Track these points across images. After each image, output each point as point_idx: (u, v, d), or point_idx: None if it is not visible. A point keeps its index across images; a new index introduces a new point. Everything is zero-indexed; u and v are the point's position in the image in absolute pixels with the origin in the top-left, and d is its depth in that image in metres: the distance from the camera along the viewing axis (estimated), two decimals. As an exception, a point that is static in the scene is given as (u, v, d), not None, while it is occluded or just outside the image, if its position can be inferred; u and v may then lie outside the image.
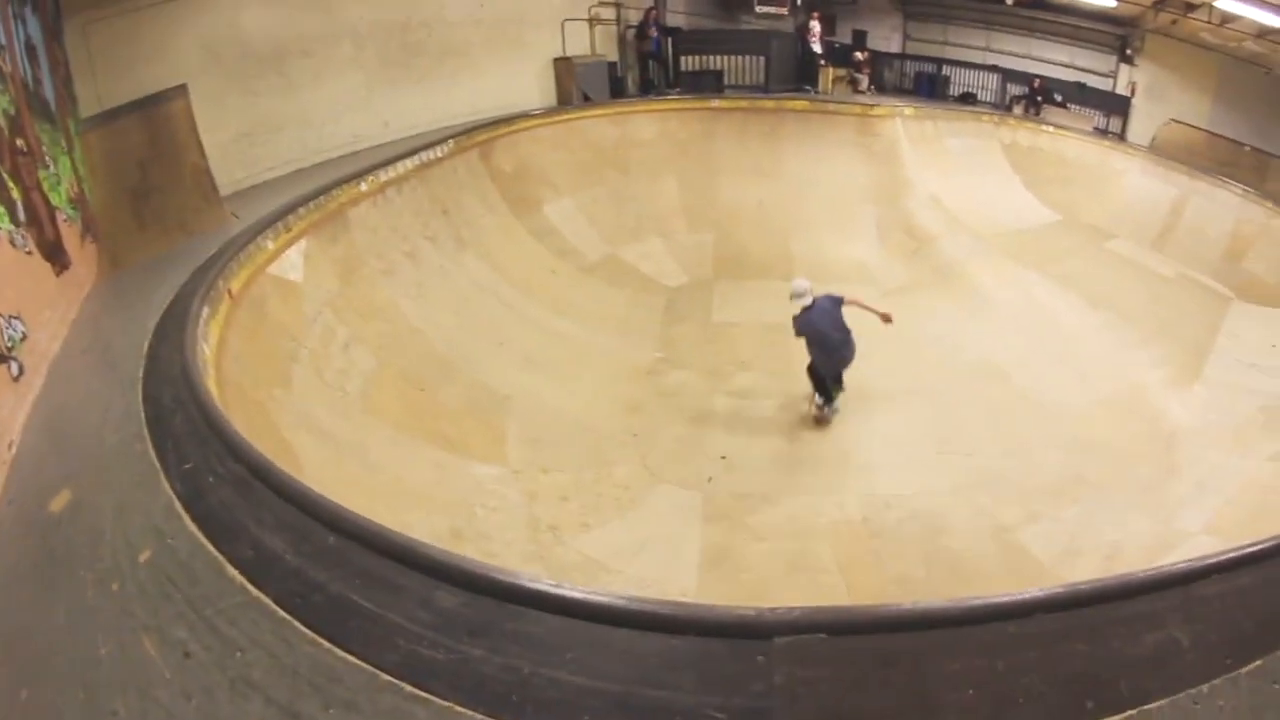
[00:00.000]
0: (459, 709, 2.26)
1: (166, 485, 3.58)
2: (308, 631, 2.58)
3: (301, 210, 7.71)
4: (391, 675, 2.38)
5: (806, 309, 9.09)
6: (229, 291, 5.99)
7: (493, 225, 11.44)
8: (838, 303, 9.13)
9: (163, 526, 3.30)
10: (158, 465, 3.76)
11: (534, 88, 14.61)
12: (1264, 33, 14.98)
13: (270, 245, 6.99)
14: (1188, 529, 7.84)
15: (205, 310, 5.45)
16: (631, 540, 7.19)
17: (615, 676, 2.35)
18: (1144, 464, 9.04)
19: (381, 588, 2.75)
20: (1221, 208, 16.17)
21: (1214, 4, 14.54)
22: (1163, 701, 2.46)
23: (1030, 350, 11.41)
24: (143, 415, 4.27)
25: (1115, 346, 11.59)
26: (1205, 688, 2.50)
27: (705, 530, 7.49)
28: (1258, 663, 2.59)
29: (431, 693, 2.31)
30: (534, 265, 11.60)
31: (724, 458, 8.55)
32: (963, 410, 9.90)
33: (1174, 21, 17.64)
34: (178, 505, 3.41)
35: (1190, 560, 3.06)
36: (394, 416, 7.21)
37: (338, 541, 3.03)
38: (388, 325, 8.16)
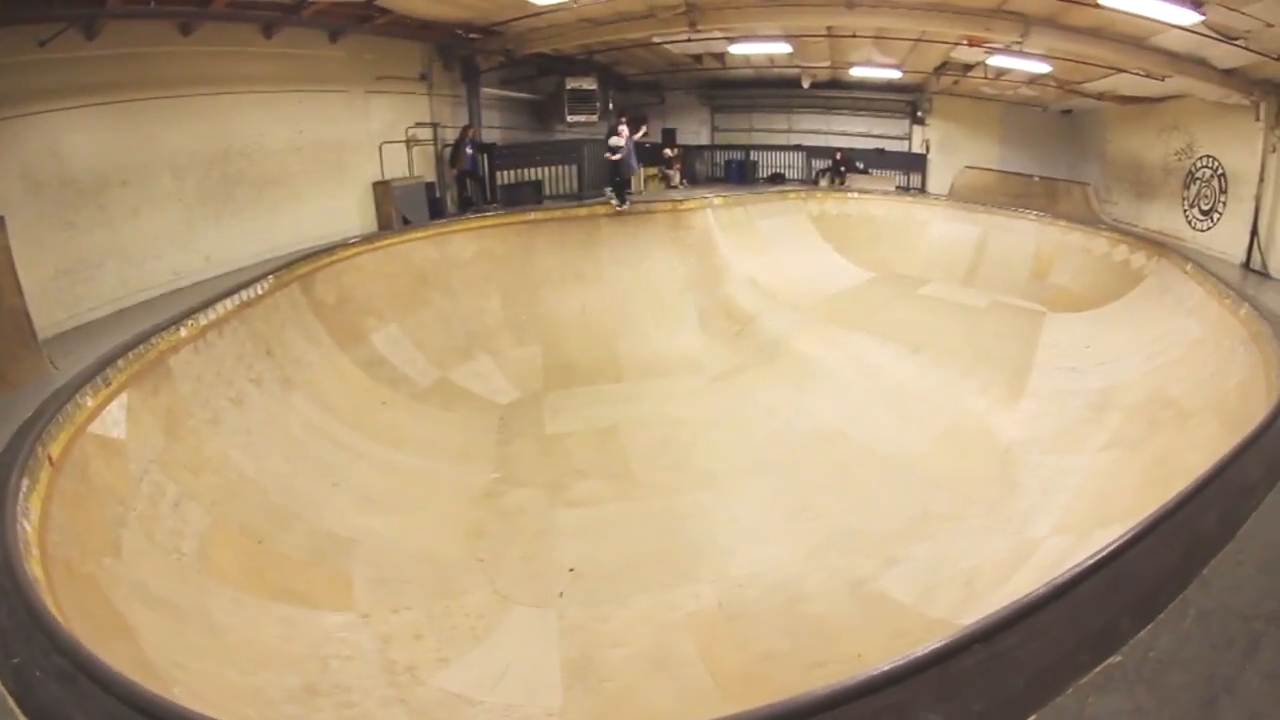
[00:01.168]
0: None
1: (-1, 682, 3.48)
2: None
3: (120, 362, 7.35)
4: None
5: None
6: (49, 458, 5.66)
7: (319, 361, 11.19)
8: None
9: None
10: (-12, 661, 3.62)
11: (355, 213, 14.57)
12: (1034, 79, 16.82)
13: (90, 402, 6.63)
14: (1037, 535, 8.41)
15: (25, 483, 5.16)
16: (491, 668, 7.04)
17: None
18: (987, 485, 9.71)
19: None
20: (1021, 235, 18.04)
21: (987, 62, 16.10)
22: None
23: (862, 406, 12.09)
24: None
25: (942, 383, 12.41)
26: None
27: (563, 646, 7.42)
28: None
29: None
30: (365, 398, 11.39)
31: (572, 570, 8.56)
32: (806, 477, 10.31)
33: (955, 82, 19.56)
34: (10, 701, 3.40)
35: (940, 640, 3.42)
36: (235, 574, 6.86)
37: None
38: (219, 478, 7.79)
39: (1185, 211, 15.32)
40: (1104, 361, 11.81)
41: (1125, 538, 4.16)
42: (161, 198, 10.37)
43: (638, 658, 7.27)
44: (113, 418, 6.92)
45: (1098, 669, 3.28)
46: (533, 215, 16.58)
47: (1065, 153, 19.95)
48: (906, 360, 13.33)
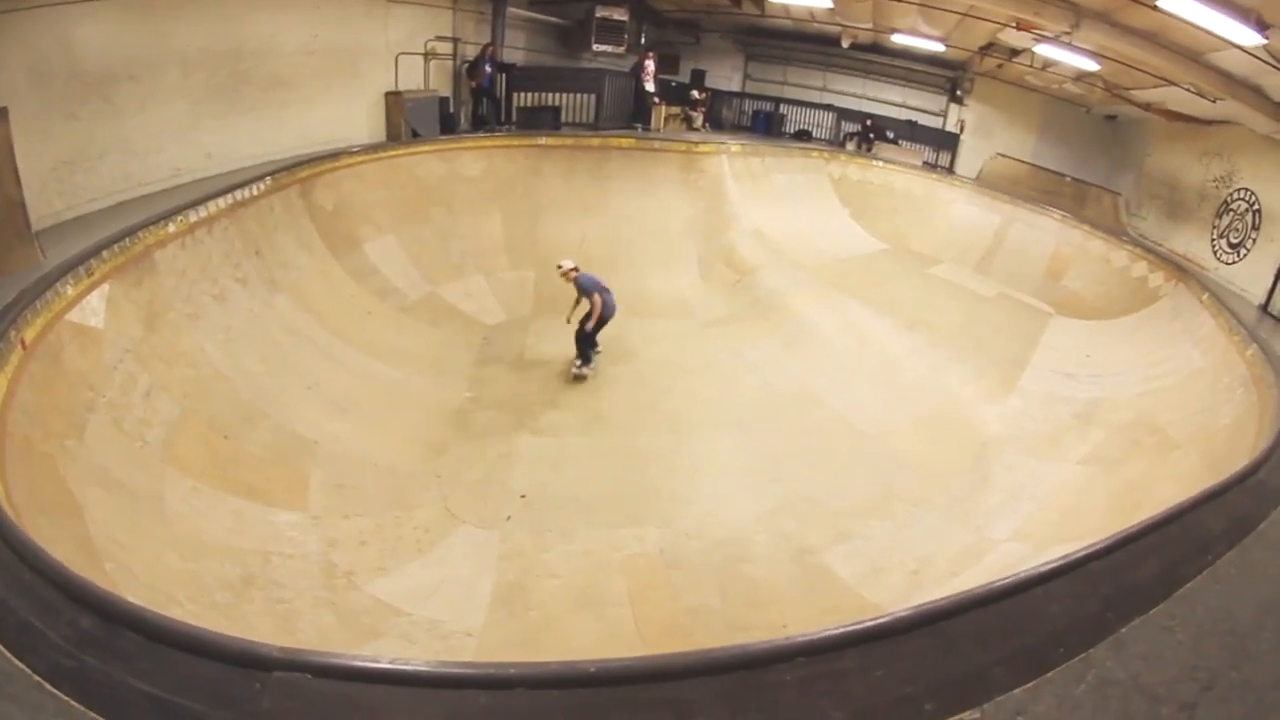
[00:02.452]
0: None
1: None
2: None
3: (105, 253, 7.58)
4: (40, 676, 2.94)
5: (582, 276, 11.67)
6: (22, 341, 5.96)
7: (309, 265, 11.36)
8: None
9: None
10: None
11: (364, 122, 14.52)
12: (1082, 76, 16.37)
13: (70, 290, 6.90)
14: (996, 537, 8.47)
15: (-8, 364, 5.46)
16: (426, 582, 7.38)
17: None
18: (956, 476, 9.77)
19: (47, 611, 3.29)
20: (1042, 232, 17.78)
21: (1035, 50, 15.72)
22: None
23: (846, 375, 12.13)
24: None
25: (931, 365, 12.40)
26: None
27: (500, 569, 7.73)
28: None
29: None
30: (350, 306, 11.60)
31: (524, 496, 8.85)
32: (776, 438, 10.44)
33: (1000, 65, 19.10)
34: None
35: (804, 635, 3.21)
36: (195, 466, 7.20)
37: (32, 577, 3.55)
38: (193, 371, 8.07)
39: (1213, 241, 14.97)
40: (1100, 374, 11.75)
41: (1041, 569, 3.69)
42: (167, 92, 10.35)
43: (568, 591, 7.57)
44: (92, 307, 7.18)
45: None
46: (544, 140, 16.54)
47: (1101, 158, 19.45)
48: (901, 336, 13.33)
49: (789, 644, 3.08)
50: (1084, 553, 3.87)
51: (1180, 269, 14.55)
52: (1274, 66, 10.55)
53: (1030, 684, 3.01)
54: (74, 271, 7.10)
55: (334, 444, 8.77)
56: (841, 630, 3.19)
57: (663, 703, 2.82)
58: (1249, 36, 9.77)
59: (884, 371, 12.30)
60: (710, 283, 15.58)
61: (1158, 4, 10.06)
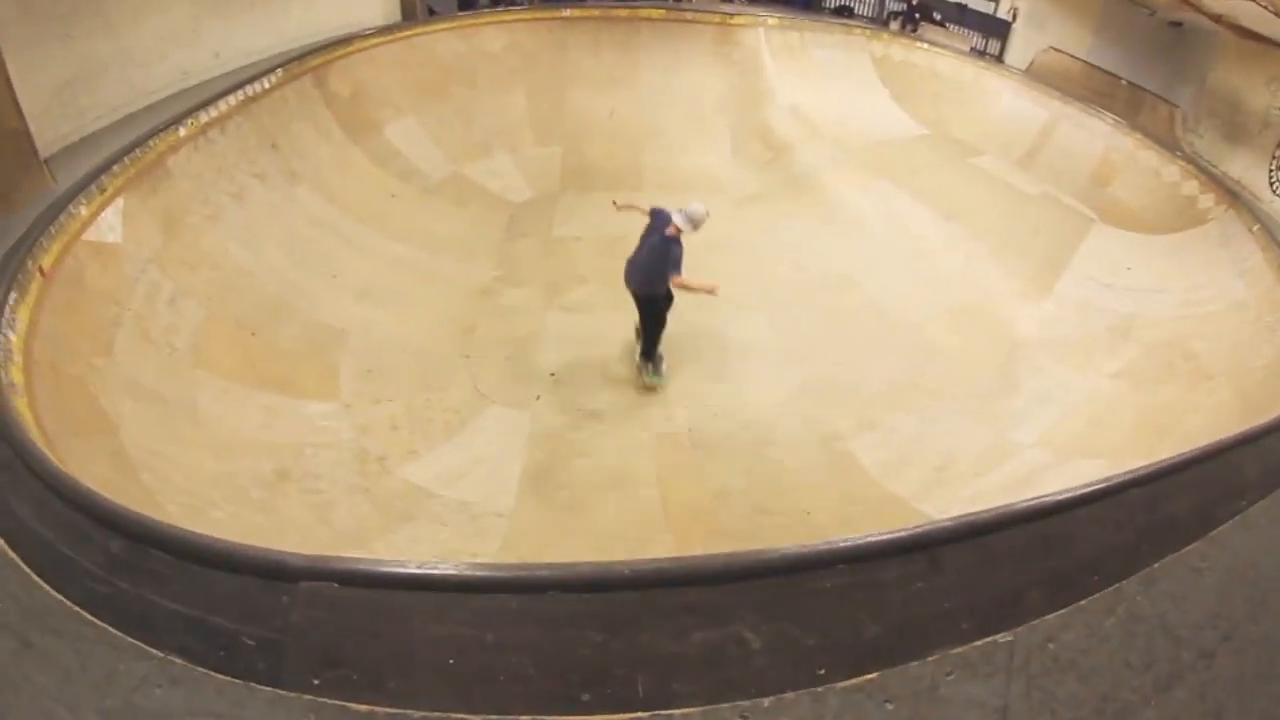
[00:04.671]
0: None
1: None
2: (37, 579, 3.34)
3: (116, 168, 7.68)
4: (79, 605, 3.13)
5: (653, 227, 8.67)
6: (40, 270, 6.18)
7: (328, 154, 11.38)
8: (665, 238, 8.42)
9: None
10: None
11: (377, 3, 14.14)
12: None
13: (84, 211, 7.06)
14: (1021, 441, 8.49)
15: (13, 296, 5.71)
16: (458, 464, 7.68)
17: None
18: (984, 374, 9.68)
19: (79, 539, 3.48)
20: (1092, 134, 16.68)
21: None
22: (693, 709, 2.53)
23: (880, 260, 11.90)
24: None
25: (967, 258, 12.09)
26: (767, 701, 2.59)
27: (530, 449, 7.96)
28: (869, 676, 2.69)
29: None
30: (373, 191, 11.62)
31: (553, 375, 9.03)
32: (805, 319, 10.39)
33: None
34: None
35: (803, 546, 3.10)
36: (226, 366, 7.48)
37: (63, 507, 3.70)
38: (216, 273, 8.26)
39: (1271, 171, 13.78)
40: (1139, 289, 11.28)
41: (1080, 492, 3.56)
42: None
43: (597, 471, 7.79)
44: (108, 223, 7.36)
45: (977, 642, 2.85)
46: (568, 12, 16.01)
47: (1161, 66, 17.70)
48: (938, 226, 12.89)
49: (830, 549, 2.98)
50: (1125, 478, 3.73)
51: (1233, 194, 13.61)
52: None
53: (1063, 610, 3.03)
54: (85, 191, 7.22)
55: (362, 331, 8.99)
56: (884, 537, 3.09)
57: (697, 608, 2.79)
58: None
59: (918, 260, 12.01)
60: (743, 160, 15.15)
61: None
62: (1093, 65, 18.91)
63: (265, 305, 8.53)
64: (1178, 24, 17.45)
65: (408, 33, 13.95)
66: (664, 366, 9.10)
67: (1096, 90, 18.38)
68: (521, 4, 16.43)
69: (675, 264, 8.20)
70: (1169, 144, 16.08)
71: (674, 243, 8.28)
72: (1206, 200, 13.93)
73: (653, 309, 8.76)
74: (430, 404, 8.37)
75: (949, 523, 3.28)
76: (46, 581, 3.27)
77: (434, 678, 2.66)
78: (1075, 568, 3.22)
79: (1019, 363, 9.91)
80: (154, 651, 2.87)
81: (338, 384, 8.21)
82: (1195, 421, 7.98)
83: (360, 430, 7.72)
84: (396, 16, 14.47)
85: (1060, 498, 3.50)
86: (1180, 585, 3.27)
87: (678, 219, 8.29)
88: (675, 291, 8.50)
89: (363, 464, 7.33)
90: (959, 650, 2.80)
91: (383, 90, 13.09)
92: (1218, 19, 14.79)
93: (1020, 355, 10.05)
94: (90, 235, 7.07)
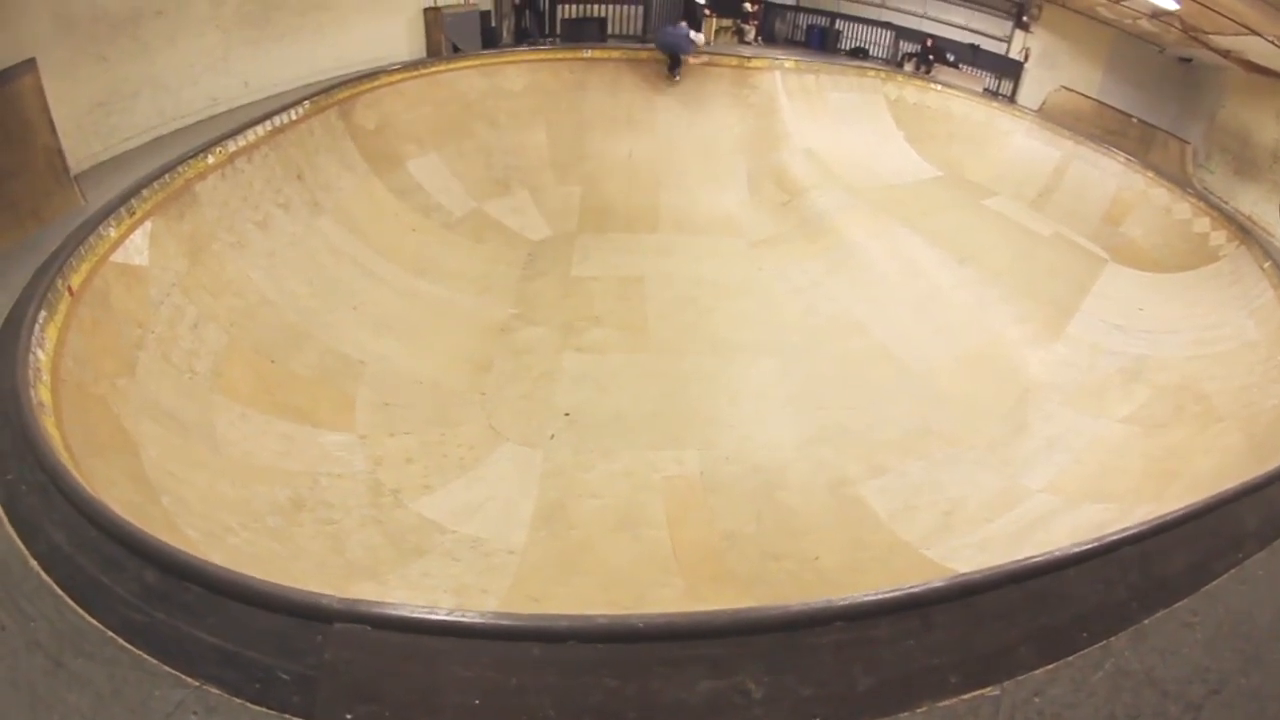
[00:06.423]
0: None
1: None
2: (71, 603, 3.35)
3: (145, 191, 7.75)
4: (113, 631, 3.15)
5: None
6: (69, 289, 6.19)
7: (351, 186, 11.47)
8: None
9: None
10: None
11: (404, 39, 14.38)
12: (1157, 13, 15.38)
13: (113, 232, 7.10)
14: (1030, 486, 8.40)
15: (42, 315, 5.70)
16: (470, 500, 7.63)
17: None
18: (995, 420, 9.60)
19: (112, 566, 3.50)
20: (1104, 173, 16.88)
21: None
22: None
23: (891, 304, 11.86)
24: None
25: (979, 302, 12.04)
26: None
27: (542, 488, 7.91)
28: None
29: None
30: (394, 225, 11.69)
31: (568, 414, 9.00)
32: (817, 364, 10.37)
33: None
34: (1, 511, 4.07)
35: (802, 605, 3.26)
36: (244, 392, 7.48)
37: (97, 534, 3.73)
38: (239, 300, 8.29)
39: None
40: (1150, 330, 11.24)
41: (1074, 550, 3.64)
42: (198, 24, 10.37)
43: (608, 512, 7.74)
44: (135, 246, 7.40)
45: (965, 695, 2.94)
46: (589, 53, 16.25)
47: (1171, 102, 18.06)
48: (950, 269, 12.91)
49: (828, 608, 3.15)
50: (1118, 536, 3.79)
51: (1244, 230, 13.71)
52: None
53: (1051, 665, 3.09)
54: (115, 213, 7.28)
55: (380, 363, 8.99)
56: (878, 597, 3.24)
57: (705, 659, 2.93)
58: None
59: (930, 304, 11.94)
60: (759, 201, 15.22)
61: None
62: (1104, 103, 19.15)
63: (285, 334, 8.55)
64: (1187, 60, 17.64)
65: (432, 69, 14.14)
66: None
67: (1108, 128, 18.62)
68: (544, 44, 16.65)
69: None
70: (1180, 180, 16.24)
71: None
72: (1218, 237, 14.04)
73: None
74: (445, 439, 8.34)
75: (940, 583, 3.41)
76: (80, 605, 3.30)
77: (461, 717, 2.77)
78: (1065, 624, 3.29)
79: (1030, 407, 9.85)
80: (189, 680, 2.90)
81: (354, 415, 8.18)
82: (1205, 464, 7.92)
83: (375, 462, 7.67)
84: (422, 53, 14.71)
85: (1051, 557, 3.60)
86: (1170, 640, 3.33)
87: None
88: None
89: (377, 496, 7.29)
90: (947, 703, 2.90)
91: (407, 125, 13.22)
92: (1226, 54, 15.00)
93: (1031, 400, 10.00)
94: (118, 257, 7.11)
